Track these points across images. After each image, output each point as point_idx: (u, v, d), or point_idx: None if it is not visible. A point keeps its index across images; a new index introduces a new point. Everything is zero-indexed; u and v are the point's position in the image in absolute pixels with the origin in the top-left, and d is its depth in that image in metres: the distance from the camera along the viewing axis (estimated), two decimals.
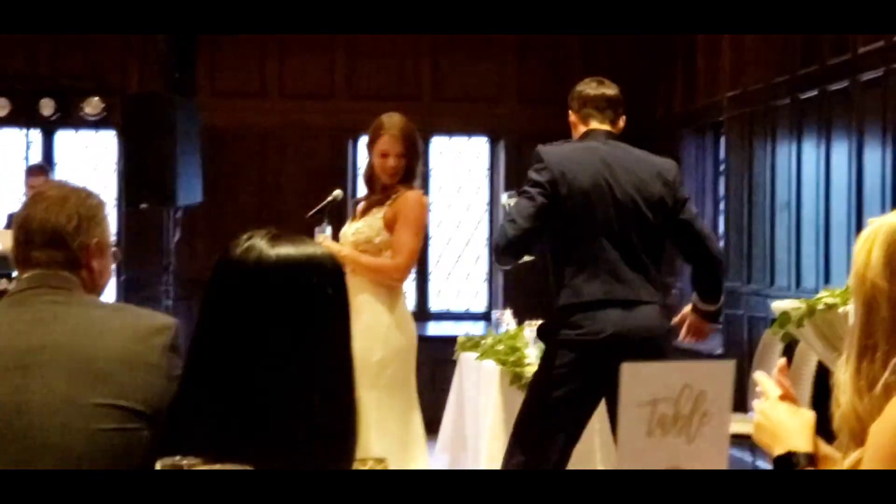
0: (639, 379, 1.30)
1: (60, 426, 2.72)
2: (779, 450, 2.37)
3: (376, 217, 5.94)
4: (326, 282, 2.34)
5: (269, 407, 2.24)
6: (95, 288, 3.12)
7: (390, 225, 5.89)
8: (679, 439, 1.30)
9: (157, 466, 1.92)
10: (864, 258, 2.37)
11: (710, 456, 1.38)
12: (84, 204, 3.07)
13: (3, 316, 2.99)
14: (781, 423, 2.43)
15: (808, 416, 2.45)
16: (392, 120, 6.41)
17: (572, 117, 5.75)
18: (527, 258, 6.09)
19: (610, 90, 5.63)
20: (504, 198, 7.05)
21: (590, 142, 5.42)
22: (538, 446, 5.29)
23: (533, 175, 5.32)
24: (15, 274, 7.17)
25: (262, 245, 2.29)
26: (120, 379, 2.76)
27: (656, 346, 5.10)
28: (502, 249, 5.45)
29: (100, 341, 2.84)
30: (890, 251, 2.33)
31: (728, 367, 1.43)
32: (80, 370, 2.80)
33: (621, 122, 5.56)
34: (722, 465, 1.43)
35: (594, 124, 5.50)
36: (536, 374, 5.54)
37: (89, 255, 3.04)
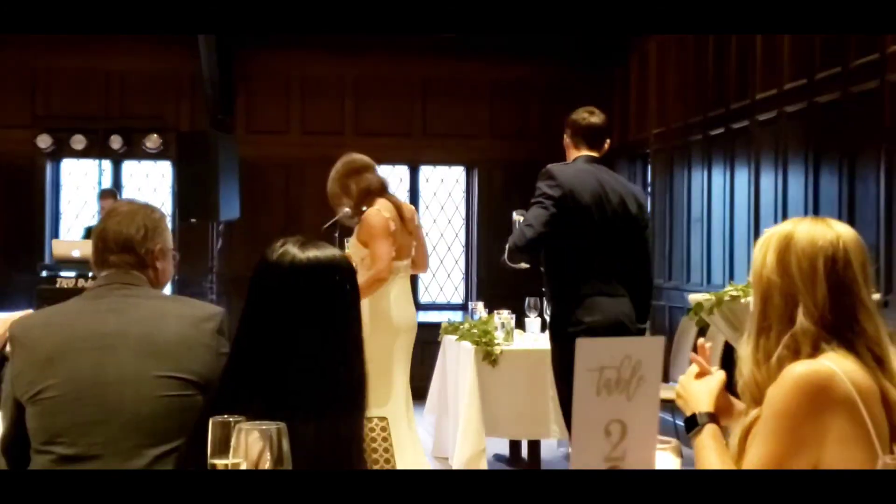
0: (590, 351, 1.35)
1: (132, 394, 2.90)
2: (688, 412, 2.59)
3: (354, 242, 6.20)
4: (345, 279, 2.55)
5: (302, 376, 2.42)
6: (159, 284, 3.29)
7: (365, 243, 6.11)
8: (621, 397, 1.35)
9: (210, 425, 2.03)
10: (760, 259, 2.53)
11: (645, 411, 1.41)
12: (149, 217, 3.25)
13: (85, 306, 3.16)
14: (690, 391, 2.62)
15: (713, 383, 2.61)
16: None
17: (567, 141, 5.94)
18: (524, 265, 6.33)
19: (597, 119, 5.85)
20: (515, 215, 6.80)
21: (586, 165, 5.59)
22: None
23: (546, 189, 5.51)
24: (92, 274, 7.70)
25: (294, 250, 2.50)
26: (178, 356, 2.95)
27: (633, 327, 5.50)
28: (521, 249, 5.68)
29: (162, 326, 3.03)
30: (780, 254, 2.48)
31: (659, 342, 1.48)
32: (146, 349, 2.97)
33: (606, 146, 5.79)
34: (654, 419, 1.47)
35: (584, 150, 5.76)
36: (566, 366, 5.26)
37: (154, 258, 3.23)
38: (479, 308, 7.66)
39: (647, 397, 1.38)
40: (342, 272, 2.54)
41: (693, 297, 6.01)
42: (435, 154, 11.51)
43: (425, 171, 11.78)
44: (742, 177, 8.24)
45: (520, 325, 7.38)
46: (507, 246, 6.11)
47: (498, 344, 6.96)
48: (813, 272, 2.43)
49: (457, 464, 7.01)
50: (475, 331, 7.11)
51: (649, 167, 10.59)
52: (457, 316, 9.48)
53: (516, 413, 7.07)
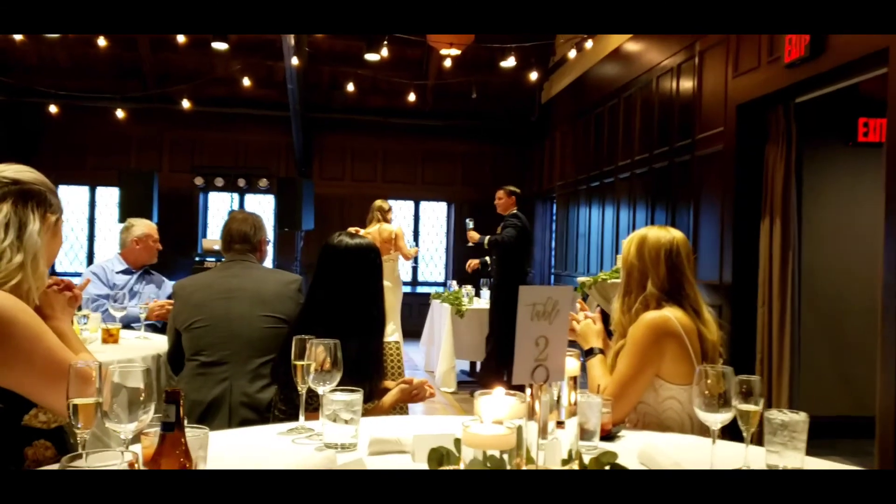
0: (528, 294, 1.35)
1: (247, 325, 2.97)
2: (586, 346, 2.58)
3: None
4: (375, 257, 2.60)
5: (349, 314, 2.47)
6: (262, 260, 3.34)
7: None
8: (544, 322, 1.35)
9: (293, 341, 2.03)
10: (626, 250, 2.56)
11: (559, 331, 1.37)
12: (256, 220, 3.34)
13: (218, 273, 3.20)
14: (586, 333, 2.63)
15: (599, 328, 2.63)
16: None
17: (506, 200, 7.54)
18: (488, 259, 7.73)
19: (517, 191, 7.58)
20: (467, 221, 7.82)
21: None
22: None
23: (516, 222, 7.29)
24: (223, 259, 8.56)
25: (346, 238, 2.58)
26: (274, 303, 3.00)
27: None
28: (496, 247, 7.30)
29: (265, 286, 3.07)
30: (639, 247, 2.52)
31: (569, 289, 1.39)
32: (255, 299, 3.02)
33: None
34: (564, 336, 1.39)
35: (515, 206, 7.49)
36: (510, 310, 6.41)
37: (260, 244, 3.33)
38: (454, 284, 8.11)
39: (561, 322, 1.38)
40: (374, 252, 2.59)
41: (579, 279, 6.42)
42: (429, 194, 12.01)
43: (424, 205, 12.21)
44: (609, 211, 8.39)
45: (476, 294, 7.88)
46: (492, 240, 7.30)
47: (464, 304, 7.41)
48: (657, 258, 2.47)
49: (438, 373, 7.36)
50: (451, 297, 7.57)
51: (554, 205, 10.72)
52: (440, 289, 9.68)
53: (473, 345, 7.46)
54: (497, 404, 1.40)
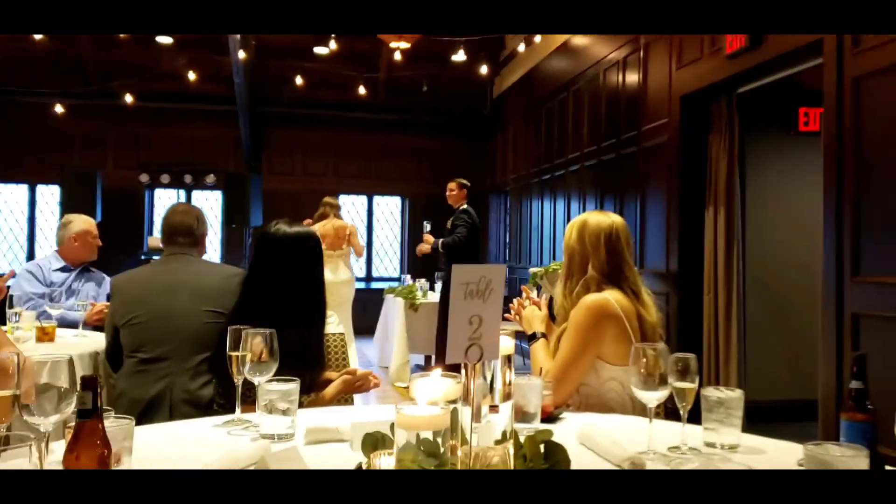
0: (461, 273, 1.31)
1: (188, 321, 2.88)
2: (529, 331, 2.63)
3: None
4: (314, 245, 2.57)
5: (287, 303, 2.45)
6: (201, 255, 3.25)
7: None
8: (478, 300, 1.32)
9: (228, 332, 2.00)
10: (568, 235, 2.58)
11: (492, 309, 1.35)
12: (199, 214, 3.26)
13: (158, 266, 3.14)
14: (530, 318, 2.68)
15: (543, 313, 2.67)
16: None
17: (457, 192, 7.65)
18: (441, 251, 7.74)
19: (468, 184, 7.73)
20: (425, 224, 7.97)
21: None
22: None
23: (466, 219, 7.46)
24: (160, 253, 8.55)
25: (283, 226, 2.55)
26: (217, 297, 2.89)
27: None
28: (450, 247, 7.48)
29: (207, 279, 2.99)
30: (580, 232, 2.55)
31: (502, 268, 1.37)
32: (197, 293, 2.94)
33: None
34: (498, 314, 1.37)
35: (466, 201, 7.55)
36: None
37: (202, 238, 3.26)
38: (407, 279, 8.07)
39: (495, 301, 1.35)
40: (313, 240, 2.56)
41: (532, 270, 6.56)
42: (383, 189, 11.91)
43: (378, 199, 12.09)
44: (560, 203, 8.45)
45: (431, 288, 7.81)
46: (445, 242, 7.45)
47: (418, 298, 7.39)
48: (597, 242, 2.51)
49: (392, 369, 7.35)
50: (405, 291, 7.56)
51: (508, 198, 10.67)
52: (394, 283, 9.53)
53: (428, 339, 7.33)
54: (432, 386, 1.39)
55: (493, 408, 1.41)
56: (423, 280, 7.79)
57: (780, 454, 1.76)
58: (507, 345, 1.46)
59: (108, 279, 4.61)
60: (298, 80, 10.16)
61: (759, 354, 5.93)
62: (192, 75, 9.81)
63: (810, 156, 5.95)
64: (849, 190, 3.92)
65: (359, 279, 11.59)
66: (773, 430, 1.95)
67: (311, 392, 2.46)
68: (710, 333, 5.42)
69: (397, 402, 1.39)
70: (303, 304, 2.46)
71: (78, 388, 1.32)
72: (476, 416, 1.38)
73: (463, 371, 1.40)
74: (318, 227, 7.58)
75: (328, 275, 8.33)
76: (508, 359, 1.46)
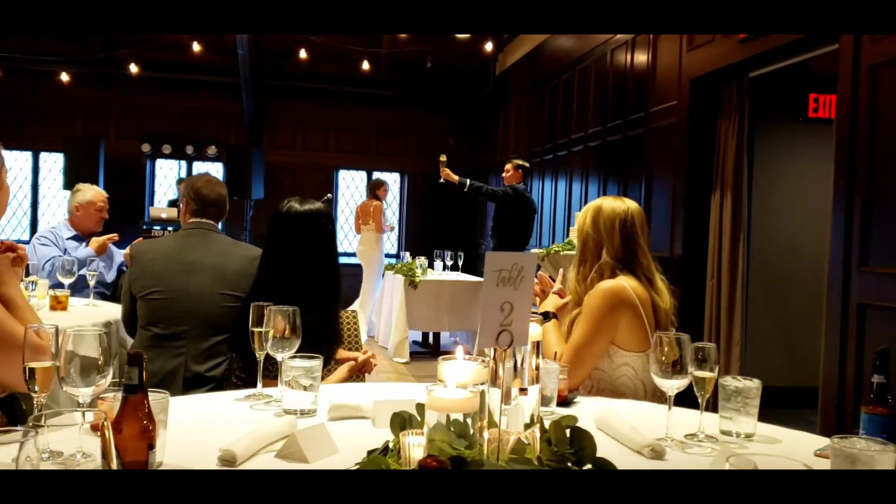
0: (494, 260, 1.34)
1: (206, 302, 2.89)
2: (541, 310, 2.63)
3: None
4: (328, 221, 2.56)
5: (304, 281, 2.45)
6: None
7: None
8: (510, 288, 1.34)
9: (251, 308, 2.01)
10: (582, 220, 2.58)
11: (523, 296, 1.37)
12: (224, 186, 3.26)
13: (180, 240, 3.06)
14: (546, 303, 2.68)
15: (563, 302, 2.66)
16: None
17: (512, 173, 7.55)
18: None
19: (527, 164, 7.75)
20: (442, 156, 7.62)
21: (522, 185, 7.40)
22: None
23: (507, 190, 7.38)
24: (171, 228, 8.13)
25: (295, 204, 2.55)
26: (236, 281, 2.88)
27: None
28: (482, 195, 7.51)
29: (228, 261, 2.96)
30: (594, 217, 2.54)
31: (534, 256, 1.40)
32: (217, 275, 2.93)
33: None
34: (529, 301, 1.39)
35: (521, 178, 7.53)
36: None
37: (226, 212, 3.23)
38: (407, 256, 8.09)
39: (526, 288, 1.38)
40: (325, 217, 2.55)
41: (533, 251, 6.62)
42: (383, 165, 11.79)
43: (377, 174, 11.65)
44: (562, 184, 8.44)
45: (430, 266, 7.85)
46: (475, 186, 7.30)
47: (418, 276, 7.44)
48: (612, 228, 2.50)
49: (391, 345, 7.42)
50: (405, 268, 7.61)
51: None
52: (393, 261, 9.53)
53: (427, 316, 7.47)
54: (460, 369, 1.41)
55: (523, 391, 1.44)
56: (422, 258, 7.83)
57: (795, 444, 1.79)
58: (535, 331, 1.48)
59: (116, 251, 4.61)
60: (301, 54, 10.13)
61: (759, 340, 5.97)
62: (195, 46, 9.79)
63: (819, 143, 5.98)
64: (860, 179, 3.92)
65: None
66: (771, 416, 1.97)
67: (326, 366, 2.49)
68: (712, 318, 5.46)
69: (400, 378, 1.40)
70: (317, 280, 2.47)
71: (112, 362, 1.34)
72: (506, 398, 1.41)
73: (492, 355, 1.42)
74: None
75: (362, 246, 9.02)
76: (537, 344, 1.50)
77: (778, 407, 5.27)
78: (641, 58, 6.65)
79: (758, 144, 5.81)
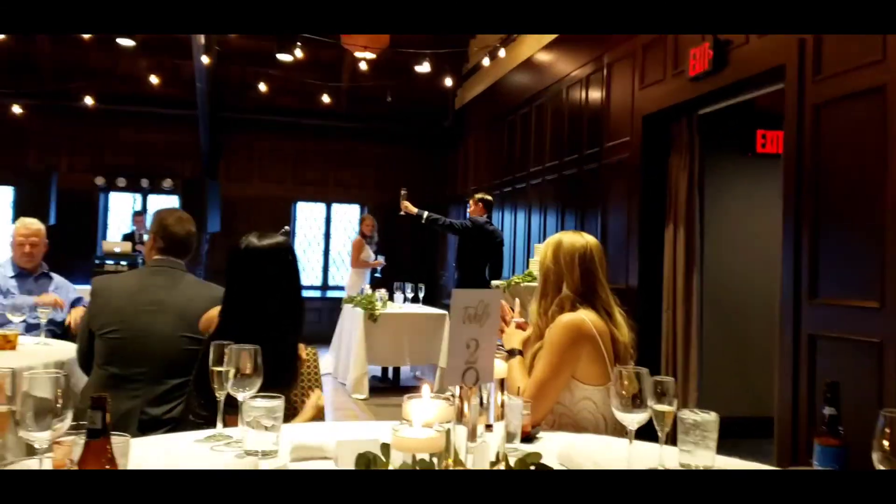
0: (461, 297, 1.36)
1: (167, 344, 2.84)
2: (507, 347, 2.62)
3: None
4: (292, 257, 2.51)
5: (265, 318, 2.42)
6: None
7: None
8: (475, 325, 1.36)
9: (212, 347, 2.00)
10: (543, 255, 2.61)
11: (489, 333, 1.38)
12: (193, 224, 3.18)
13: (146, 278, 2.99)
14: (511, 335, 2.66)
15: (525, 334, 2.65)
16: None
17: (474, 207, 7.59)
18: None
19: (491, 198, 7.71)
20: (402, 191, 7.60)
21: (482, 218, 7.39)
22: None
23: (465, 222, 7.45)
24: (126, 263, 8.46)
25: (253, 240, 2.49)
26: (197, 324, 2.79)
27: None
28: (437, 227, 7.48)
29: (193, 303, 2.89)
30: (555, 251, 2.58)
31: (499, 292, 1.42)
32: (181, 317, 2.87)
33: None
34: (494, 338, 1.40)
35: (482, 213, 7.53)
36: None
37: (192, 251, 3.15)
38: (367, 288, 8.16)
39: (491, 325, 1.40)
40: (286, 251, 2.49)
41: (493, 283, 6.62)
42: (341, 197, 11.84)
43: (336, 207, 11.91)
44: (521, 216, 8.54)
45: (390, 298, 7.83)
46: (433, 218, 7.34)
47: (377, 309, 7.36)
48: (572, 262, 2.54)
49: (349, 381, 7.27)
50: (364, 301, 7.52)
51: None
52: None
53: (387, 350, 7.40)
54: (427, 407, 1.42)
55: (488, 427, 1.46)
56: (382, 290, 7.81)
57: None
58: (500, 367, 1.50)
59: (70, 286, 4.49)
60: (262, 87, 10.10)
61: (714, 371, 6.05)
62: (153, 79, 9.69)
63: (767, 177, 6.14)
64: (807, 213, 4.04)
65: (315, 287, 11.61)
66: (729, 447, 2.01)
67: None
68: (669, 349, 5.52)
69: (358, 415, 1.41)
70: (278, 316, 2.44)
71: (70, 405, 1.31)
72: (472, 436, 1.42)
73: (458, 392, 1.43)
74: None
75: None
76: (501, 381, 1.51)
77: (736, 437, 5.32)
78: (595, 95, 6.80)
79: (709, 178, 5.94)
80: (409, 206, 7.37)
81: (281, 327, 2.43)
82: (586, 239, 2.58)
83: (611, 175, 6.42)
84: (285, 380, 2.42)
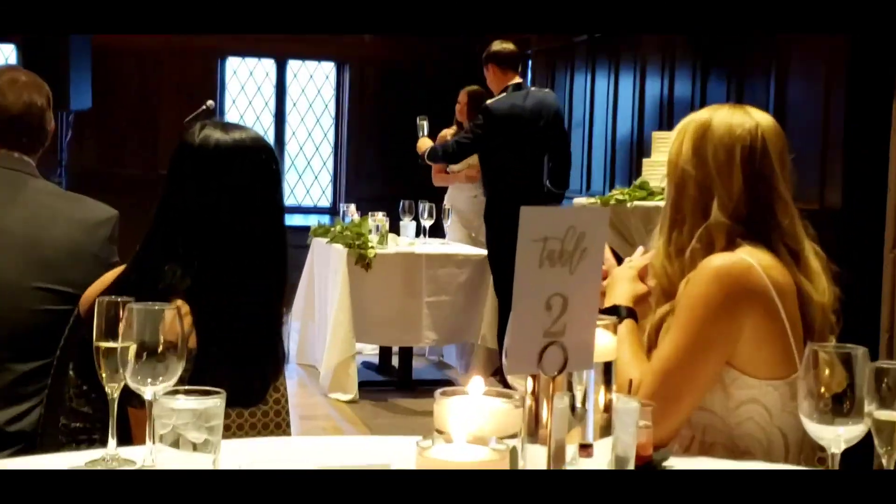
0: (534, 220, 1.36)
1: (8, 304, 2.88)
2: (607, 302, 2.65)
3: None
4: (275, 163, 2.67)
5: (229, 253, 2.54)
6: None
7: None
8: (563, 269, 1.37)
9: (135, 308, 1.98)
10: (676, 148, 2.61)
11: (586, 286, 1.42)
12: (48, 92, 3.28)
13: None
14: (613, 284, 2.72)
15: (631, 275, 2.73)
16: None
17: (493, 73, 7.73)
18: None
19: (512, 45, 7.66)
20: (419, 120, 8.13)
21: (514, 94, 7.53)
22: None
23: (478, 123, 7.62)
24: None
25: (216, 132, 2.61)
26: (64, 267, 2.92)
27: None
28: (439, 159, 7.99)
29: (51, 229, 2.98)
30: (697, 142, 2.57)
31: (605, 213, 1.54)
32: (31, 256, 2.93)
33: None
34: (596, 294, 1.47)
35: (511, 77, 7.63)
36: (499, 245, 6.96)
37: (46, 140, 3.32)
38: (351, 210, 8.22)
39: (590, 271, 1.41)
40: (265, 151, 2.68)
41: (578, 202, 6.76)
42: (304, 47, 11.86)
43: (293, 65, 12.06)
44: (626, 82, 8.72)
45: (394, 228, 7.87)
46: (433, 150, 7.71)
47: (372, 247, 7.38)
48: (730, 161, 2.54)
49: (324, 371, 7.47)
50: (348, 233, 7.58)
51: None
52: (325, 219, 9.87)
53: (388, 319, 7.50)
54: (475, 411, 1.44)
55: (584, 448, 1.49)
56: (379, 214, 7.88)
57: None
58: (606, 343, 1.52)
59: None
60: None
61: None
62: None
63: None
64: None
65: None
66: None
67: (256, 402, 2.60)
68: (893, 313, 5.54)
69: (337, 427, 1.47)
70: (257, 258, 2.58)
71: None
72: (554, 461, 1.45)
73: (530, 386, 1.47)
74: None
75: None
76: (608, 367, 1.53)
77: None
78: None
79: None
80: (423, 145, 7.94)
81: (262, 275, 2.57)
82: (755, 119, 2.58)
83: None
84: (267, 370, 2.60)
